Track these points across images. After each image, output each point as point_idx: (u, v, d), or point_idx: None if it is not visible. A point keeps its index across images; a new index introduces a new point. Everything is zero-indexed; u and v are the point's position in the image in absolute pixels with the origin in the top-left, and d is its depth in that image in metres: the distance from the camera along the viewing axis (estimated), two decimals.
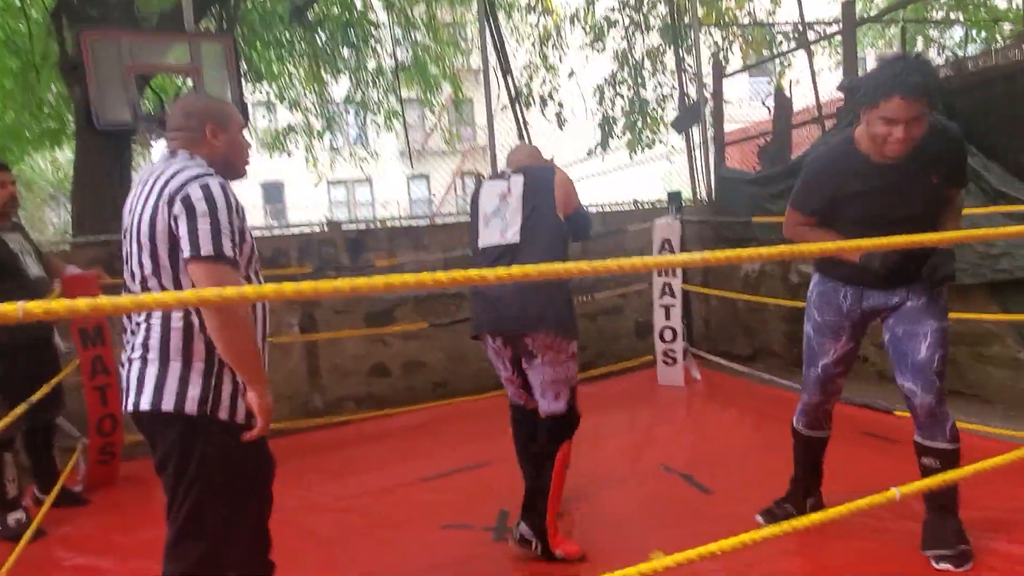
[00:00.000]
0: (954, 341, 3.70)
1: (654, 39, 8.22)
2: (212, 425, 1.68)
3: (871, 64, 10.54)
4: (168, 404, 1.65)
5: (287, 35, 8.66)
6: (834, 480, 2.94)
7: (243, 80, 8.30)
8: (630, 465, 3.37)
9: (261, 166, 10.23)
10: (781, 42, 8.45)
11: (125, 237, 1.78)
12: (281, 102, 9.74)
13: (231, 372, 1.70)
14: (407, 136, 8.10)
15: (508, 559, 2.47)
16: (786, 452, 3.34)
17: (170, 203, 1.65)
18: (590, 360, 5.56)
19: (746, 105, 8.94)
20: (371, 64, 9.60)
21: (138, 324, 1.72)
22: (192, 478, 1.67)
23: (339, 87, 10.06)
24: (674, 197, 5.12)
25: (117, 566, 2.76)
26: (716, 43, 8.34)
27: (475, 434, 4.05)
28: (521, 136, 6.00)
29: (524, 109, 7.32)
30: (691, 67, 6.77)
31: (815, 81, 6.88)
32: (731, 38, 8.39)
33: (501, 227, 2.51)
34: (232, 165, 1.87)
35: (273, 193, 19.93)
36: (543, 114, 8.19)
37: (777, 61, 7.86)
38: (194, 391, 1.66)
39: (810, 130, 6.90)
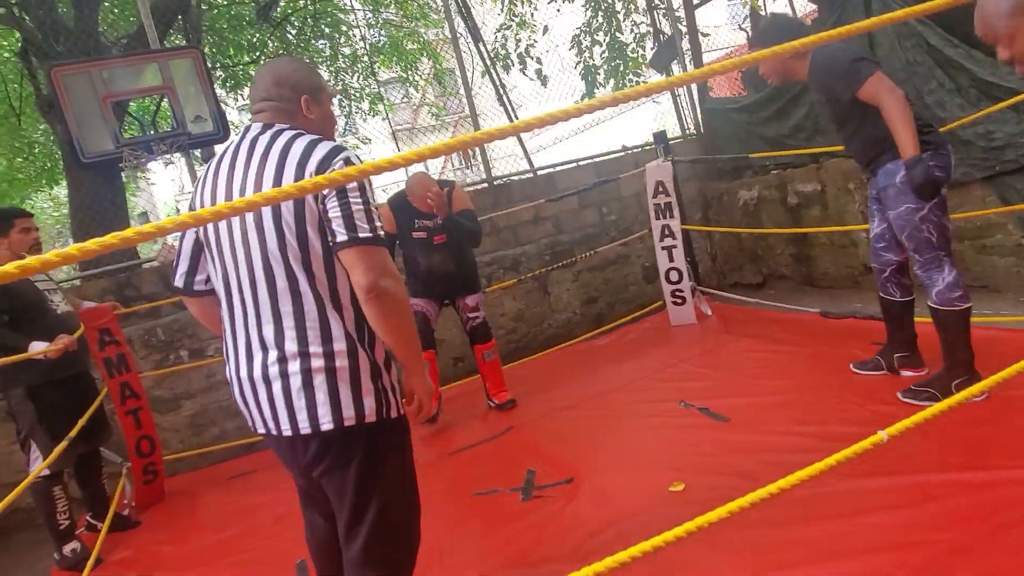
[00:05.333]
0: (956, 236, 3.69)
1: None
2: (389, 427, 1.58)
3: None
4: (349, 417, 1.49)
5: (257, 36, 8.62)
6: (846, 397, 2.99)
7: (223, 88, 8.35)
8: (648, 406, 3.42)
9: None
10: None
11: (214, 232, 1.54)
12: None
13: (386, 366, 1.59)
14: (388, 118, 8.06)
15: (538, 518, 2.55)
16: (796, 372, 3.40)
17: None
18: (602, 312, 5.60)
19: (725, 31, 8.76)
20: (346, 51, 9.54)
21: (276, 332, 1.49)
22: (379, 486, 1.56)
23: None
24: (660, 137, 5.08)
25: None
26: None
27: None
28: (500, 100, 5.96)
29: (503, 72, 7.25)
30: (663, 2, 6.64)
31: None
32: None
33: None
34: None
35: None
36: (524, 74, 8.09)
37: None
38: (369, 399, 1.52)
39: None
